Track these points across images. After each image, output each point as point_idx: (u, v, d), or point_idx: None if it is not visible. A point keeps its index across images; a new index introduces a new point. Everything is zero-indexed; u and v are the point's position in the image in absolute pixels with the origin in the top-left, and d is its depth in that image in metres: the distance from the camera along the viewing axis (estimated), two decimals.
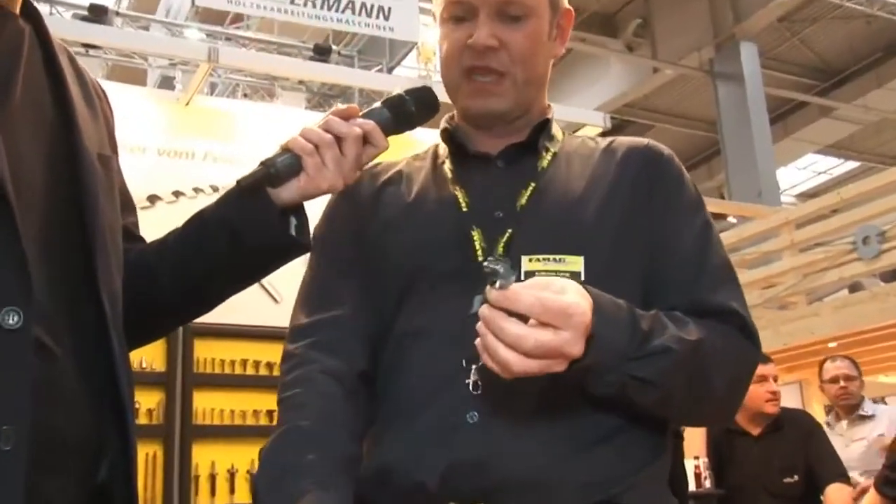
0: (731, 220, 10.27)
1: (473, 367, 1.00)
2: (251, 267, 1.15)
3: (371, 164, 1.18)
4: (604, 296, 0.94)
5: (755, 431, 3.70)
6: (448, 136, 1.19)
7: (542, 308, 0.86)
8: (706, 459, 4.00)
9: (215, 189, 3.99)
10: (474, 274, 1.00)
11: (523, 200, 1.09)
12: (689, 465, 3.96)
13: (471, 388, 1.00)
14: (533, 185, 1.11)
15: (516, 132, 1.16)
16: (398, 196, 1.18)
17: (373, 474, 1.04)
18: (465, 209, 1.10)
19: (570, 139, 1.21)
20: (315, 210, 1.16)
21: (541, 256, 1.04)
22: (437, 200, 1.14)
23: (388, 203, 1.17)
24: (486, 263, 0.87)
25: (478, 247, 1.07)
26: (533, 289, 0.87)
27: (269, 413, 3.74)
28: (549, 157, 1.15)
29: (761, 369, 3.48)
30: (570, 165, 1.15)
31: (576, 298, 0.88)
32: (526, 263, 1.04)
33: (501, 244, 1.06)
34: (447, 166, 1.17)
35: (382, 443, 1.04)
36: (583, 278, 1.02)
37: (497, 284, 0.85)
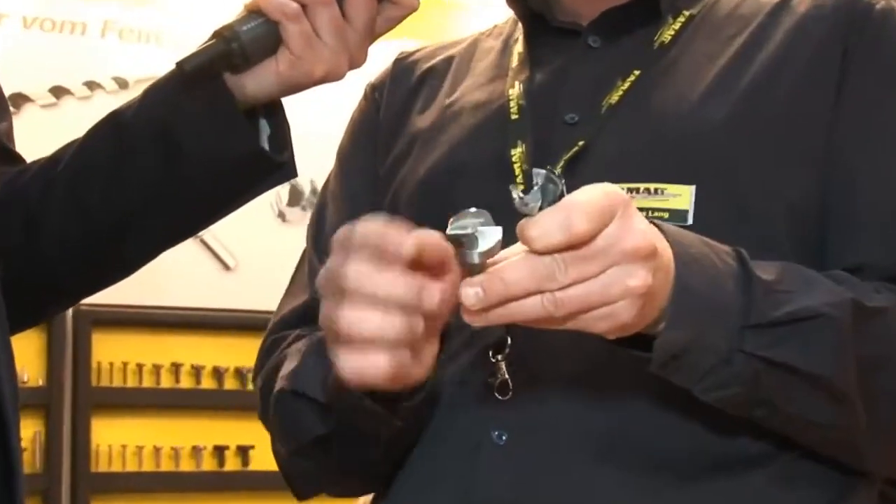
0: None
1: (499, 357, 1.04)
2: (199, 200, 1.18)
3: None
4: (680, 231, 0.94)
5: None
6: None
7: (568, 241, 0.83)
8: None
9: (123, 84, 4.02)
10: (511, 212, 1.03)
11: (615, 97, 1.13)
12: None
13: (496, 392, 1.05)
14: (637, 72, 1.13)
15: None
16: (432, 100, 1.25)
17: None
18: (514, 116, 1.15)
19: None
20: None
21: (626, 185, 1.04)
22: (482, 104, 1.20)
23: (418, 112, 1.25)
24: (448, 229, 0.85)
25: (517, 171, 1.10)
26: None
27: (218, 451, 3.82)
28: (677, 24, 1.17)
29: None
30: (714, 36, 1.16)
31: (581, 192, 0.85)
32: None
33: (561, 164, 1.08)
34: (518, 48, 1.23)
35: (396, 475, 1.14)
36: (690, 221, 1.05)
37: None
